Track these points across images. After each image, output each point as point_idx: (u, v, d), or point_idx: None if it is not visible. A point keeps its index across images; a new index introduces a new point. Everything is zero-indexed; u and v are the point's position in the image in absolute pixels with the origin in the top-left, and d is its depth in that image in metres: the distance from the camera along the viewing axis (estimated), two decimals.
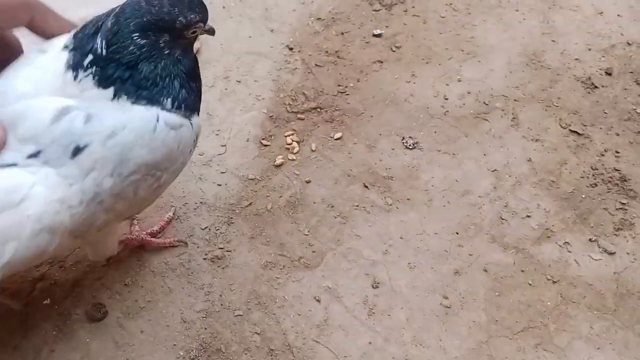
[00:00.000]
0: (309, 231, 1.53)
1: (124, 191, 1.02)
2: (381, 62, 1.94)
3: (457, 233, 1.55)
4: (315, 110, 1.80)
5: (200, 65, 1.86)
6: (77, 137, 0.93)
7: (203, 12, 0.99)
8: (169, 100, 1.00)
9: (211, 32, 1.09)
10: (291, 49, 1.95)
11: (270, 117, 1.76)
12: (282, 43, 1.96)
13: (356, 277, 1.46)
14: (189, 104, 1.05)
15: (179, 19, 0.94)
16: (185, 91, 1.04)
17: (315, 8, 2.06)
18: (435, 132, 1.77)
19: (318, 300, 1.41)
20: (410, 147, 1.72)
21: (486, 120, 1.81)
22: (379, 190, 1.62)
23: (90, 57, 0.93)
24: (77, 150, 0.94)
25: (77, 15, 1.22)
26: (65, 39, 0.98)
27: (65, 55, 0.95)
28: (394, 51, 1.98)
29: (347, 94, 1.85)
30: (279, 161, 1.66)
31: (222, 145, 1.68)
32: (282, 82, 1.86)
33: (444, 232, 1.55)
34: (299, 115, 1.78)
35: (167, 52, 0.97)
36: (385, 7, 2.09)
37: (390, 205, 1.59)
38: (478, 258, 1.51)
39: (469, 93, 1.87)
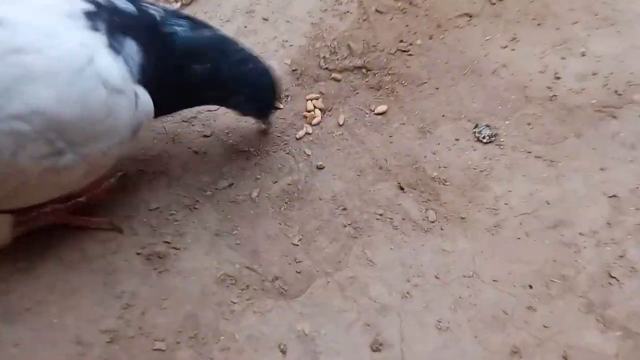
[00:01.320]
0: (300, 240, 1.01)
1: None
2: (470, 16, 1.34)
3: (530, 286, 0.96)
4: (358, 70, 1.26)
5: None
6: None
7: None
8: (135, 49, 0.82)
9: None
10: None
11: (294, 70, 1.25)
12: None
13: (351, 326, 0.92)
14: (148, 72, 0.83)
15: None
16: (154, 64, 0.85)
17: None
18: (529, 123, 1.16)
19: (283, 351, 0.90)
20: (485, 140, 1.13)
21: (614, 117, 1.16)
22: (419, 197, 1.06)
23: None
24: None
25: None
26: None
27: None
28: (493, 3, 1.37)
29: (410, 54, 1.28)
30: (289, 132, 1.15)
31: None
32: (324, 27, 1.32)
33: (510, 281, 0.97)
34: (334, 74, 1.24)
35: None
36: None
37: (432, 223, 1.02)
38: (558, 335, 0.91)
39: (594, 74, 1.22)
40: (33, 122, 0.73)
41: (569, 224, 1.02)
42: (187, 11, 1.36)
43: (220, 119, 1.17)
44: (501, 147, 1.13)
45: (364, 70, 1.26)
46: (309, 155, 1.13)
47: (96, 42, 0.78)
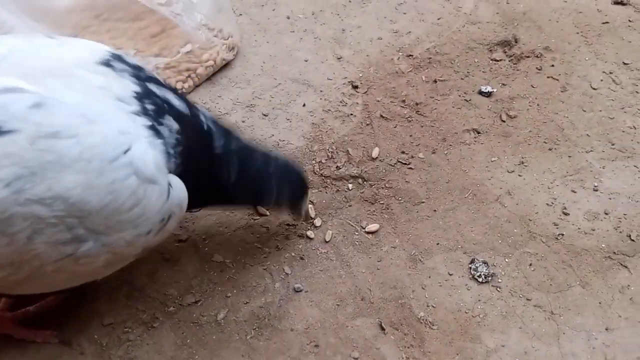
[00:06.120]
0: None
1: (11, 225, 0.64)
2: (478, 132, 1.21)
3: None
4: (354, 180, 1.13)
5: (225, 82, 1.31)
6: (7, 117, 0.64)
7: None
8: (177, 134, 0.75)
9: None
10: (356, 87, 1.29)
11: None
12: (345, 77, 1.31)
13: None
14: (186, 161, 0.76)
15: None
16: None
17: (409, 41, 1.38)
18: (530, 264, 1.00)
19: None
20: (481, 279, 0.98)
21: (625, 266, 1.00)
22: (401, 342, 0.90)
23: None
24: None
25: None
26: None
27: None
28: (503, 120, 1.24)
29: (410, 167, 1.15)
30: (270, 244, 1.02)
31: None
32: (325, 128, 1.21)
33: None
34: (328, 182, 1.12)
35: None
36: (510, 58, 1.35)
37: None
38: None
39: (606, 214, 1.07)
40: (54, 207, 0.65)
41: None
42: None
43: (200, 222, 1.04)
44: (498, 289, 0.97)
45: (360, 180, 1.13)
46: (287, 274, 0.98)
47: (138, 127, 0.71)
